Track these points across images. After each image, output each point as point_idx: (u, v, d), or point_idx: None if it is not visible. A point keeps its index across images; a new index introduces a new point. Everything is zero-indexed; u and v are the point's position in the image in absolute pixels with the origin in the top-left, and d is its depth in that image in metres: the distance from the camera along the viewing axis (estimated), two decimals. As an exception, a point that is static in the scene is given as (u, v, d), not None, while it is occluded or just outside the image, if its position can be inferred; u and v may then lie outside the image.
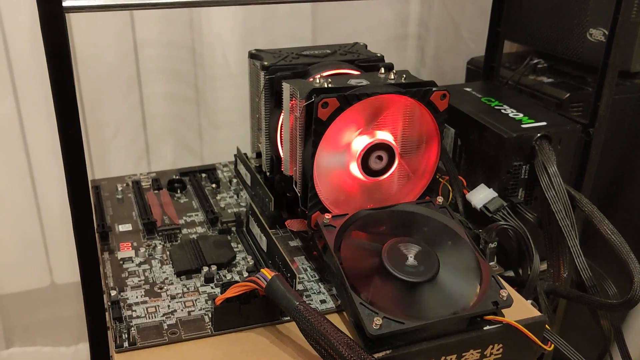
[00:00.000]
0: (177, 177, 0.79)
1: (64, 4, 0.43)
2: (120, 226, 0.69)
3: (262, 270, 0.52)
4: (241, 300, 0.53)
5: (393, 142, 0.59)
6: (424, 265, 0.54)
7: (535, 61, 0.95)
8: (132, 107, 1.00)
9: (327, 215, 0.58)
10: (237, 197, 0.77)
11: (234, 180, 0.80)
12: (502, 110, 0.79)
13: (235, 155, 0.81)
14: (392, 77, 0.61)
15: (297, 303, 0.49)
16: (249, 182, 0.75)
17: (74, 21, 0.90)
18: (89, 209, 0.49)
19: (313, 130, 0.56)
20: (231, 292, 0.52)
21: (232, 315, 0.53)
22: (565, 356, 0.64)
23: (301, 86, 0.58)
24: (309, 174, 0.58)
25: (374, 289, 0.53)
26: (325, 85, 0.58)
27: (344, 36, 1.00)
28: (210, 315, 0.55)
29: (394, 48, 1.14)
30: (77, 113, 0.45)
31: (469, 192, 0.73)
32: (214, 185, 0.79)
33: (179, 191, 0.77)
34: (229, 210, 0.73)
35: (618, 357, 0.82)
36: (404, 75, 0.62)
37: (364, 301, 0.50)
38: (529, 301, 0.60)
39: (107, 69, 0.95)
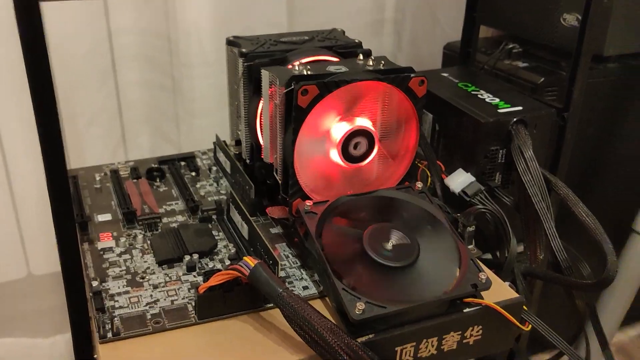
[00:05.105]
0: (156, 166, 0.79)
1: (39, -7, 0.42)
2: (99, 216, 0.69)
3: (244, 258, 0.52)
4: (224, 288, 0.53)
5: (372, 129, 0.60)
6: (404, 249, 0.55)
7: (510, 46, 0.95)
8: (107, 96, 0.98)
9: (308, 202, 0.59)
10: (217, 185, 0.76)
11: (214, 168, 0.79)
12: (479, 95, 0.80)
13: (214, 143, 0.80)
14: (371, 63, 0.61)
15: (281, 290, 0.50)
16: (228, 170, 0.75)
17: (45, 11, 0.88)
18: (68, 201, 0.48)
19: (293, 117, 0.56)
20: (214, 281, 0.52)
21: (215, 304, 0.53)
22: (542, 335, 0.66)
23: (280, 73, 0.58)
24: (289, 161, 0.59)
25: (356, 274, 0.53)
26: (305, 73, 0.58)
27: (320, 22, 0.99)
28: (193, 304, 0.55)
29: (370, 33, 1.14)
30: (55, 105, 0.45)
31: (447, 176, 0.74)
32: (193, 174, 0.78)
33: (158, 180, 0.77)
34: (209, 199, 0.73)
35: (593, 335, 0.84)
36: (382, 62, 0.62)
37: (346, 287, 0.51)
38: (507, 283, 0.61)
39: (80, 58, 0.93)
